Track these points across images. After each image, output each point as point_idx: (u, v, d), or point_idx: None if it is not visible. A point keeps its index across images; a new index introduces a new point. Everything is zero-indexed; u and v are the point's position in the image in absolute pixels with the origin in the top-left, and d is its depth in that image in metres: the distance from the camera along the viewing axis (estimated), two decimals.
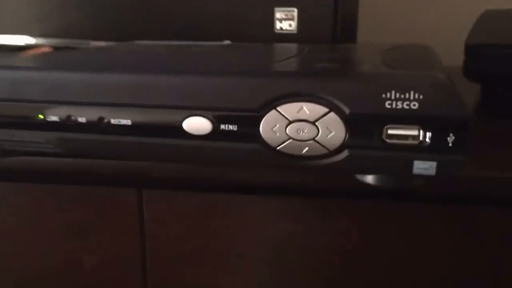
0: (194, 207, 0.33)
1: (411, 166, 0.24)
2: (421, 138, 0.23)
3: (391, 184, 0.26)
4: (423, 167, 0.24)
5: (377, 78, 0.24)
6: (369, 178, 0.26)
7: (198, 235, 0.33)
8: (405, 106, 0.23)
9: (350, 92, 0.23)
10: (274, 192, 0.31)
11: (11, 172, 0.32)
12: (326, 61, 0.30)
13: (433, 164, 0.23)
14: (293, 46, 0.41)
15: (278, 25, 0.44)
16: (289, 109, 0.24)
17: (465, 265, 0.31)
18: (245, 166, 0.29)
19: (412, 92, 0.23)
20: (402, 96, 0.23)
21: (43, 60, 0.35)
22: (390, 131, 0.23)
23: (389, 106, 0.23)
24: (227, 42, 0.43)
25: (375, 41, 0.49)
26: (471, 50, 0.37)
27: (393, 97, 0.23)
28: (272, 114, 0.24)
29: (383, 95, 0.23)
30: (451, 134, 0.23)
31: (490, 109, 0.40)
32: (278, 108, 0.24)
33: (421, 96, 0.23)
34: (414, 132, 0.23)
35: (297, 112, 0.24)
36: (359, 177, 0.26)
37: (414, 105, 0.23)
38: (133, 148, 0.26)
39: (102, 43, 0.53)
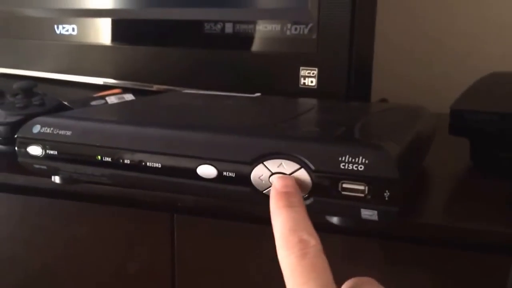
0: (215, 231, 0.41)
1: (359, 212, 0.31)
2: (366, 192, 0.31)
3: (348, 224, 0.33)
4: (368, 213, 0.31)
5: (337, 145, 0.32)
6: (334, 219, 0.34)
7: (218, 254, 0.42)
8: (354, 168, 0.31)
9: (316, 154, 0.32)
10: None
11: (76, 195, 0.43)
12: (316, 124, 0.38)
13: (375, 212, 0.31)
14: (305, 103, 0.49)
15: (302, 81, 0.53)
16: (272, 164, 0.32)
17: None
18: (240, 204, 0.38)
19: (360, 157, 0.30)
20: (353, 160, 0.31)
21: (103, 113, 0.45)
22: (344, 185, 0.31)
23: (343, 167, 0.31)
24: (257, 94, 0.52)
25: (388, 96, 0.56)
26: (454, 113, 0.43)
27: (346, 160, 0.31)
28: (260, 166, 0.33)
29: (340, 158, 0.31)
30: (386, 191, 0.30)
31: (478, 163, 0.46)
32: (264, 163, 0.32)
33: (366, 161, 0.30)
34: (361, 187, 0.31)
35: (277, 167, 0.32)
36: (327, 217, 0.34)
37: (361, 167, 0.30)
38: (163, 184, 0.36)
39: (162, 87, 0.64)
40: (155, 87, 0.64)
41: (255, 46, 0.56)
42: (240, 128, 0.36)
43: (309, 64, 0.52)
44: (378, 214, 0.31)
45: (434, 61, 0.74)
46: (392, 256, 0.37)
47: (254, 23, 0.55)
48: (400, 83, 0.72)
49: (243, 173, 0.33)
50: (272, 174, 0.32)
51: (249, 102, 0.48)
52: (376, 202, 0.30)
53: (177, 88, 0.61)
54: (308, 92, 0.53)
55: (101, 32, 0.67)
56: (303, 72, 0.53)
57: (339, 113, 0.44)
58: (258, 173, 0.33)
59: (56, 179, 0.40)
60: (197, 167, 0.34)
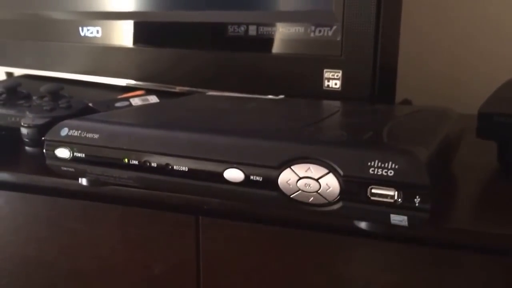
0: (240, 233, 0.41)
1: (388, 217, 0.31)
2: (395, 197, 0.30)
3: (377, 229, 0.33)
4: (398, 219, 0.31)
5: (366, 149, 0.31)
6: (362, 224, 0.34)
7: (242, 254, 0.42)
8: (384, 173, 0.30)
9: (344, 159, 0.31)
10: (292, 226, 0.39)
11: (103, 196, 0.44)
12: (343, 127, 0.37)
13: (405, 218, 0.30)
14: (330, 106, 0.49)
15: (326, 83, 0.53)
16: (299, 168, 0.32)
17: None
18: (266, 209, 0.38)
19: (389, 163, 0.30)
20: (382, 165, 0.30)
21: (130, 116, 0.45)
22: (373, 190, 0.31)
23: (372, 172, 0.31)
24: (281, 96, 0.52)
25: (412, 98, 0.56)
26: (482, 116, 0.43)
27: (375, 165, 0.30)
28: (287, 171, 0.33)
29: (369, 163, 0.31)
30: (417, 197, 0.30)
31: (506, 166, 0.45)
32: (292, 167, 0.32)
33: (396, 166, 0.30)
34: (390, 193, 0.30)
35: (305, 171, 0.32)
36: (355, 222, 0.34)
37: (391, 172, 0.30)
38: (189, 187, 0.36)
39: (185, 88, 0.64)
40: (178, 89, 0.64)
41: (279, 48, 0.55)
42: (267, 132, 0.36)
43: (333, 66, 0.52)
44: (408, 220, 0.30)
45: (459, 60, 0.73)
46: (422, 261, 0.37)
47: (277, 25, 0.55)
48: (423, 82, 0.71)
49: (271, 178, 0.33)
50: (300, 178, 0.32)
51: (274, 105, 0.48)
52: (406, 207, 0.30)
53: (200, 90, 0.61)
54: (332, 94, 0.52)
55: (125, 34, 0.67)
56: (327, 74, 0.52)
57: (365, 116, 0.44)
58: (286, 177, 0.33)
59: (83, 181, 0.41)
60: (224, 171, 0.34)
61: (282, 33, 0.55)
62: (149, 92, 0.64)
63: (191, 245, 0.42)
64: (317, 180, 0.32)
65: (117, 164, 0.37)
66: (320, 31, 0.52)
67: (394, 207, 0.30)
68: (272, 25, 0.55)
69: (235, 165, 0.34)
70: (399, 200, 0.30)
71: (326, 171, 0.32)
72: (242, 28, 0.57)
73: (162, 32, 0.64)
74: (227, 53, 0.58)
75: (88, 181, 0.41)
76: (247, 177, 0.34)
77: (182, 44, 0.62)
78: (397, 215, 0.31)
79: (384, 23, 0.49)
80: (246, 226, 0.41)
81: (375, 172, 0.30)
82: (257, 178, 0.33)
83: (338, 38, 0.51)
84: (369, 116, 0.44)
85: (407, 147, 0.31)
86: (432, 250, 0.36)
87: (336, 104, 0.48)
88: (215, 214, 0.41)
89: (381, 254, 0.38)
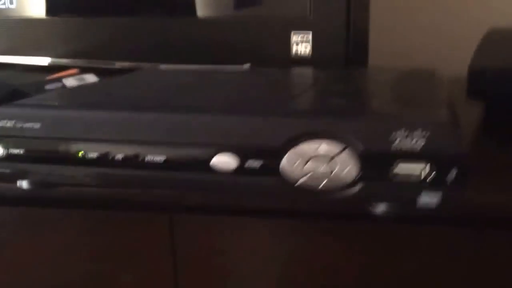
0: (217, 229, 0.35)
1: (416, 198, 0.26)
2: (426, 173, 0.25)
3: (403, 211, 0.28)
4: (428, 199, 0.26)
5: (389, 118, 0.26)
6: (381, 206, 0.29)
7: (220, 254, 0.36)
8: (412, 144, 0.25)
9: (365, 131, 0.26)
10: (283, 216, 0.34)
11: (54, 200, 0.35)
12: (339, 95, 0.32)
13: (437, 196, 0.26)
14: (307, 73, 0.43)
15: (294, 48, 0.47)
16: (308, 147, 0.26)
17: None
18: (266, 200, 0.32)
19: (419, 131, 0.25)
20: (410, 134, 0.25)
21: (77, 97, 0.37)
22: (400, 165, 0.26)
23: (398, 143, 0.25)
24: (247, 65, 0.45)
25: (384, 64, 0.51)
26: (473, 75, 0.39)
27: (402, 134, 0.25)
28: (292, 151, 0.27)
29: (393, 133, 0.25)
30: (452, 171, 0.25)
31: (491, 128, 0.42)
32: (298, 146, 0.27)
33: (427, 134, 0.25)
34: (420, 167, 0.25)
35: (316, 150, 0.26)
36: (376, 205, 0.29)
37: (421, 143, 0.25)
38: (166, 182, 0.29)
39: (126, 64, 0.56)
40: (118, 65, 0.55)
41: (234, 10, 0.49)
42: (260, 106, 0.30)
43: (301, 27, 0.46)
44: (441, 199, 0.26)
45: (433, 25, 0.69)
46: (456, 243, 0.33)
47: None
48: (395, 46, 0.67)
49: (272, 161, 0.27)
50: (310, 159, 0.27)
51: (244, 76, 0.42)
52: (439, 184, 0.25)
53: (146, 65, 0.53)
54: (301, 61, 0.47)
55: (45, 3, 0.57)
56: (295, 37, 0.46)
57: (355, 82, 0.39)
58: (291, 159, 0.27)
59: (23, 184, 0.33)
60: (212, 158, 0.28)
61: None
62: (83, 70, 0.55)
63: (166, 249, 0.36)
64: (332, 158, 0.26)
65: (70, 159, 0.30)
66: None
67: (425, 184, 0.26)
68: None
69: (225, 150, 0.27)
70: (431, 175, 0.25)
71: (342, 146, 0.26)
72: None
73: None
74: (175, 18, 0.51)
75: (30, 183, 0.32)
76: (241, 163, 0.27)
77: (118, 10, 0.53)
78: (428, 194, 0.26)
79: None
80: (230, 221, 0.35)
81: (401, 144, 0.25)
82: (254, 164, 0.27)
83: None
84: (359, 81, 0.39)
85: (435, 111, 0.26)
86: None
87: (313, 71, 0.42)
88: (196, 211, 0.35)
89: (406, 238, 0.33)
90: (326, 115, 0.27)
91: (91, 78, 0.51)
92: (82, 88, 0.43)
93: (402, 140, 0.25)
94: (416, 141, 0.25)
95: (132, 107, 0.30)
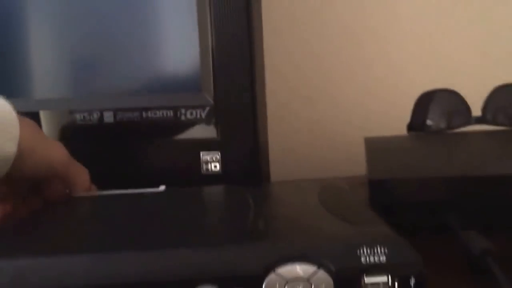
0: None
1: None
2: (390, 283, 0.29)
3: None
4: None
5: (352, 237, 0.30)
6: None
7: None
8: (375, 260, 0.29)
9: (334, 252, 0.29)
10: None
11: None
12: (280, 216, 0.35)
13: None
14: (231, 192, 0.45)
15: (204, 167, 0.49)
16: (285, 270, 0.29)
17: None
18: None
19: (379, 248, 0.29)
20: (373, 251, 0.29)
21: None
22: (367, 279, 0.29)
23: (364, 261, 0.29)
24: (162, 187, 0.46)
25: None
26: (373, 185, 0.45)
27: (366, 252, 0.29)
28: (272, 276, 0.29)
29: (358, 251, 0.29)
30: (412, 277, 0.29)
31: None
32: (276, 270, 0.29)
33: (386, 250, 0.29)
34: (384, 279, 0.29)
35: (293, 272, 0.29)
36: None
37: (383, 258, 0.29)
38: None
39: None
40: None
41: (145, 135, 0.50)
42: (228, 234, 0.32)
43: (210, 148, 0.49)
44: None
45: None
46: None
47: (139, 110, 0.49)
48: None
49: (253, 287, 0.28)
50: (287, 282, 0.29)
51: (168, 199, 0.42)
52: None
53: None
54: (212, 178, 0.49)
55: None
56: (204, 157, 0.49)
57: (284, 201, 0.42)
58: (271, 284, 0.29)
59: None
60: None
61: (148, 118, 0.49)
62: None
63: None
64: (307, 280, 0.29)
65: None
66: (192, 113, 0.49)
67: None
68: (133, 110, 0.49)
69: (206, 281, 0.28)
70: (394, 285, 0.29)
71: (315, 268, 0.29)
72: (95, 115, 0.49)
73: None
74: (80, 144, 0.49)
75: None
76: None
77: None
78: None
79: (259, 98, 0.49)
80: None
81: (367, 260, 0.29)
82: None
83: (213, 120, 0.49)
84: (286, 200, 0.42)
85: (383, 228, 0.31)
86: None
87: (233, 189, 0.45)
88: None
89: None
90: (300, 239, 0.30)
91: None
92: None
93: (368, 257, 0.29)
94: (379, 257, 0.29)
95: (97, 248, 0.29)
